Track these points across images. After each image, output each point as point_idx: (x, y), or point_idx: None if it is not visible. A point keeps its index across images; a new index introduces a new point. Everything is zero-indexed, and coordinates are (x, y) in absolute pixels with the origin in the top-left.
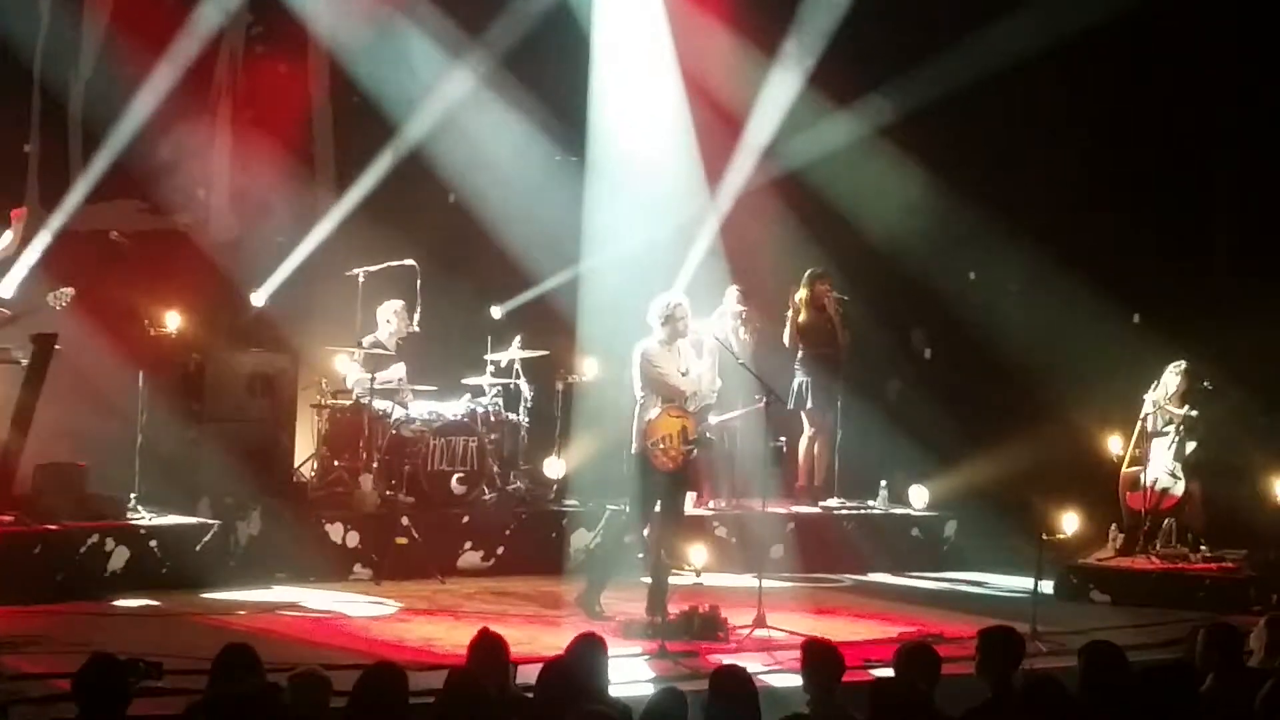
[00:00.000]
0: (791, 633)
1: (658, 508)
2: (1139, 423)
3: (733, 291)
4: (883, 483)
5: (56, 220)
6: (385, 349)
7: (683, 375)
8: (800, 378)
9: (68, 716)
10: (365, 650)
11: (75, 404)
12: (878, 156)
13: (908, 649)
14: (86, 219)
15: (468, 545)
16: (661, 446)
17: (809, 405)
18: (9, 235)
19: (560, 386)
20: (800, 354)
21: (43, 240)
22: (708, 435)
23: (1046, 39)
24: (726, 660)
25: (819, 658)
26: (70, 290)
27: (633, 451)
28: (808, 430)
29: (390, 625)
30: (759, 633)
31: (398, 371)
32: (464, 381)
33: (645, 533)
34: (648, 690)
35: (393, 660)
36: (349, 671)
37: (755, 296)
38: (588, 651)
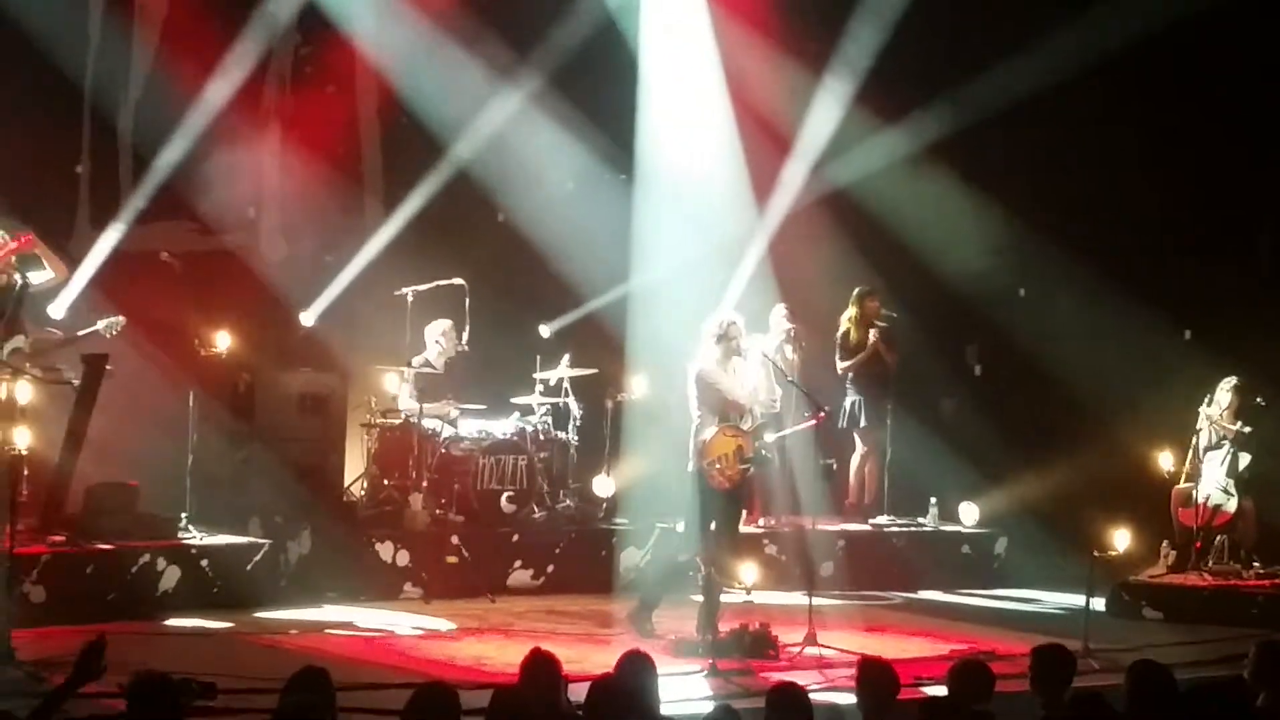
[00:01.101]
0: (842, 650)
1: (713, 526)
2: (1193, 437)
3: (780, 309)
4: (933, 500)
5: (107, 241)
6: (434, 368)
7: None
8: (852, 396)
9: None
10: (416, 669)
11: (126, 424)
12: (926, 173)
13: (961, 666)
14: (137, 240)
15: (518, 564)
16: (718, 466)
17: (862, 424)
18: (48, 271)
19: (609, 404)
20: (851, 374)
21: (94, 261)
22: (764, 453)
23: (1092, 53)
24: (779, 677)
25: (874, 676)
26: (121, 319)
27: (689, 470)
28: (860, 449)
29: (441, 644)
30: (810, 650)
31: (444, 407)
32: (513, 400)
33: (699, 551)
34: (699, 709)
35: (444, 679)
36: (400, 690)
37: (803, 314)
38: (636, 669)
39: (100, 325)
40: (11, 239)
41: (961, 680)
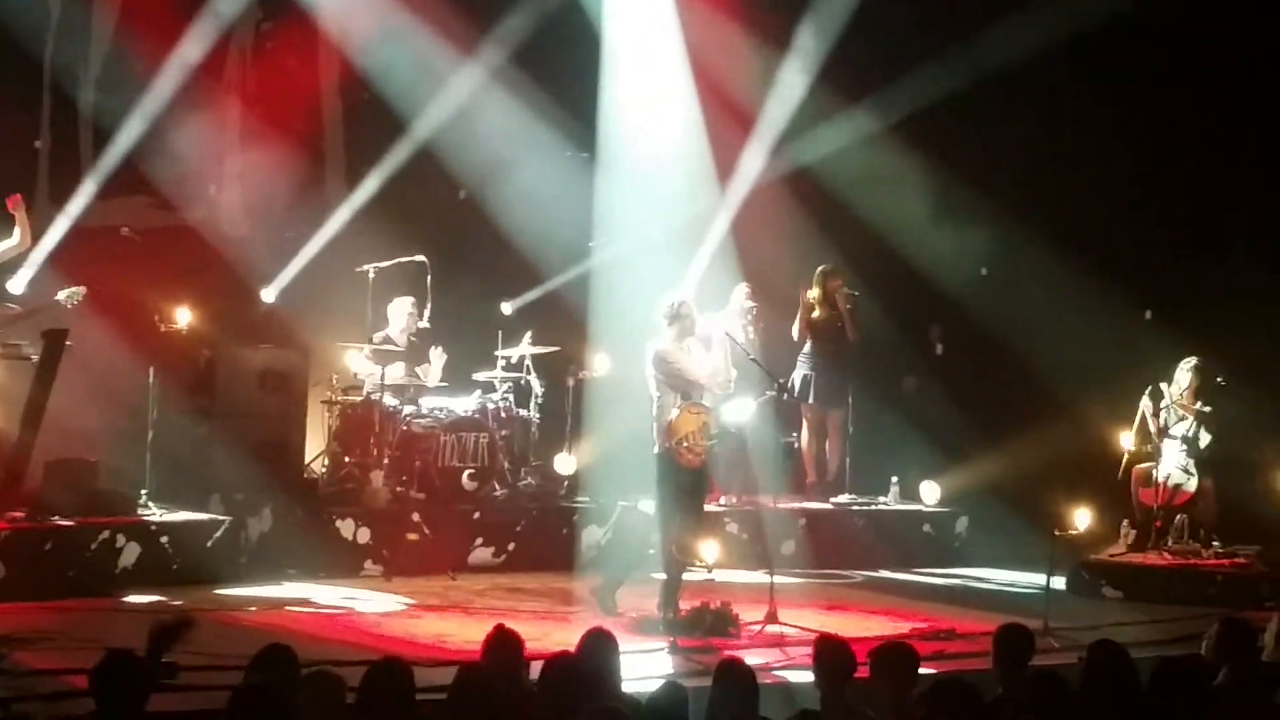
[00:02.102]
0: (803, 629)
1: (678, 504)
2: (1138, 416)
3: (742, 289)
4: (894, 479)
5: (67, 216)
6: (396, 345)
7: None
8: (804, 371)
9: (78, 713)
10: (376, 647)
11: (86, 400)
12: (889, 152)
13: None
14: (97, 215)
15: (479, 541)
16: (686, 444)
17: (810, 399)
18: (15, 238)
19: (571, 382)
20: (808, 348)
21: (53, 236)
22: (730, 429)
23: (1059, 34)
24: (741, 656)
25: (831, 655)
26: (82, 289)
27: (656, 452)
28: (810, 425)
29: (401, 621)
30: (771, 629)
31: (398, 370)
32: (475, 377)
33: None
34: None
35: (399, 655)
36: (359, 668)
37: (765, 292)
38: (598, 647)
39: (61, 295)
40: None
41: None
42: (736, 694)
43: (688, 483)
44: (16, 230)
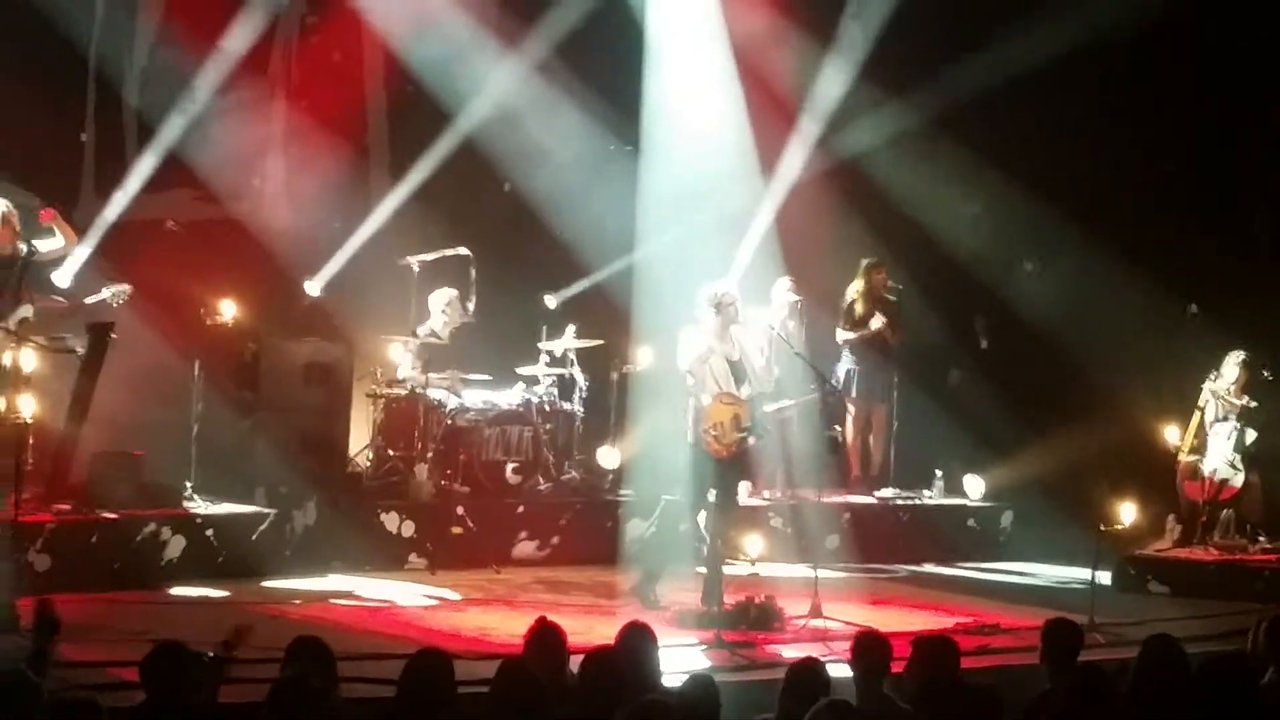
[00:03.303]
0: (847, 623)
1: (712, 496)
2: (1196, 412)
3: (784, 282)
4: (938, 473)
5: (112, 210)
6: (439, 338)
7: (733, 362)
8: (848, 365)
9: (123, 705)
10: (420, 639)
11: (131, 393)
12: (934, 146)
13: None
14: (142, 208)
15: (523, 535)
16: (714, 434)
17: (853, 394)
18: (58, 238)
19: (615, 376)
20: (852, 343)
21: (99, 230)
22: (766, 426)
23: (1101, 26)
24: (784, 651)
25: (866, 648)
26: (128, 288)
27: (688, 440)
28: (851, 419)
29: (445, 615)
30: (815, 623)
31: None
32: (518, 371)
33: (700, 521)
34: None
35: (440, 647)
36: (403, 661)
37: (809, 286)
38: (636, 641)
39: (106, 294)
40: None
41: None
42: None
43: (716, 473)
44: (58, 232)
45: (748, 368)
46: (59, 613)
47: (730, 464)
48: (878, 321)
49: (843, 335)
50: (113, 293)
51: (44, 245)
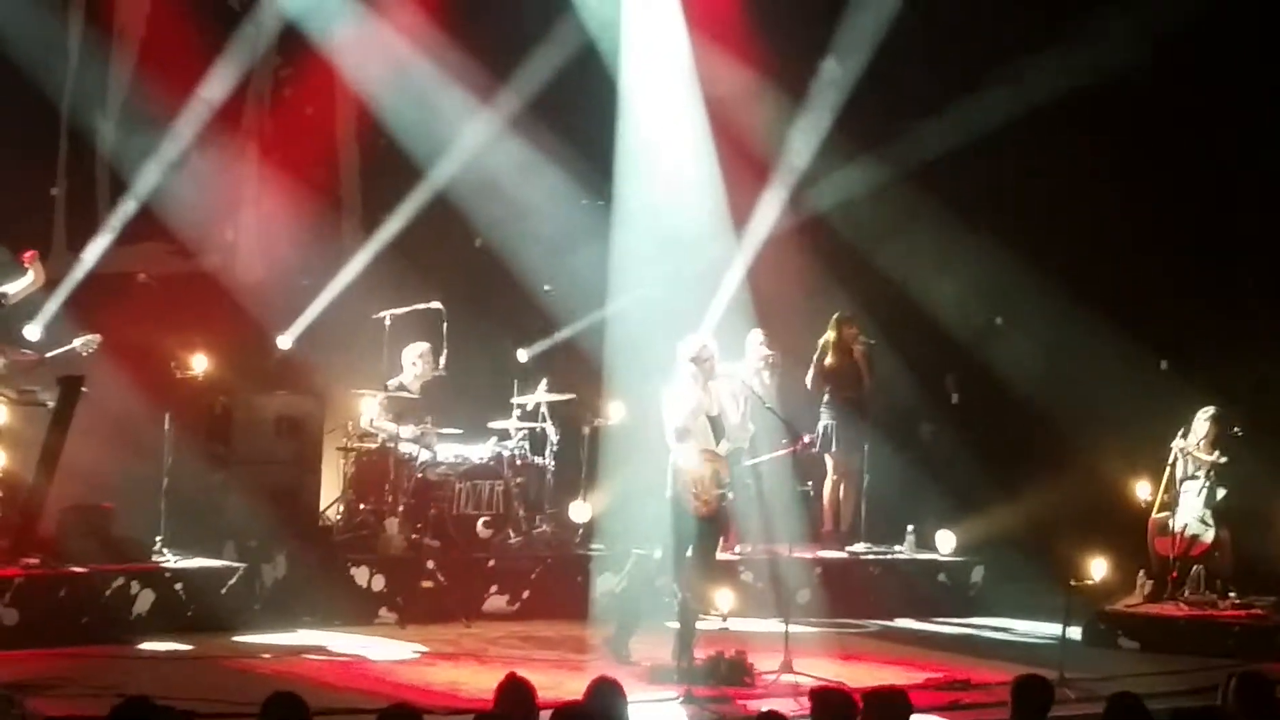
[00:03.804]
0: (818, 678)
1: (689, 552)
2: (1167, 468)
3: (756, 335)
4: (909, 528)
5: (84, 263)
6: (411, 392)
7: (712, 417)
8: (825, 420)
9: None
10: (390, 694)
11: (101, 446)
12: (904, 200)
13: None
14: (113, 261)
15: (493, 589)
16: (694, 491)
17: (834, 448)
18: (29, 276)
19: (586, 430)
20: (826, 397)
21: (70, 282)
22: (744, 480)
23: (1072, 80)
24: (755, 705)
25: (826, 704)
26: (98, 337)
27: (667, 496)
28: (831, 474)
29: (415, 669)
30: (786, 678)
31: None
32: (490, 425)
33: (676, 576)
34: None
35: (410, 702)
36: (373, 715)
37: (780, 340)
38: (606, 696)
39: (77, 343)
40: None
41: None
42: None
43: (696, 529)
44: (27, 276)
45: (725, 423)
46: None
47: (709, 520)
48: (858, 349)
49: (811, 380)
50: (83, 342)
51: (13, 287)
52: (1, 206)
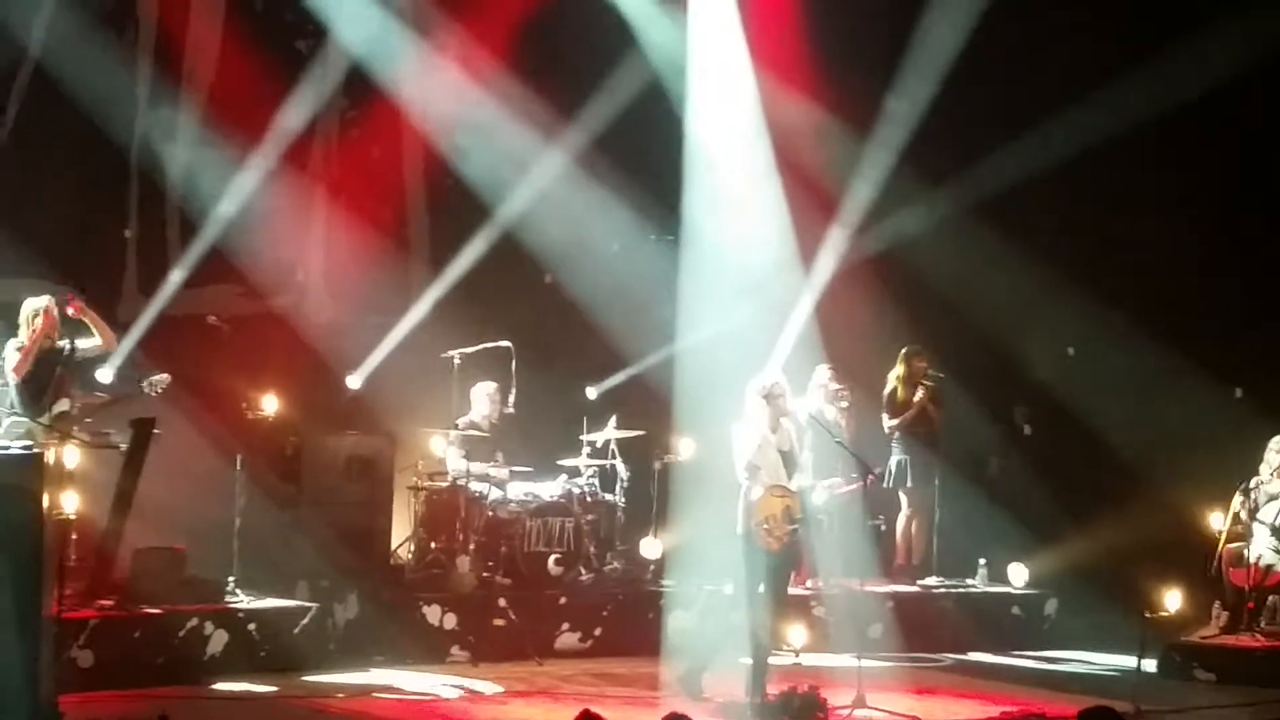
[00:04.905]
0: (892, 713)
1: (761, 588)
2: (1238, 496)
3: (823, 370)
4: (982, 561)
5: (155, 305)
6: (480, 430)
7: (784, 453)
8: (898, 455)
9: None
10: None
11: (174, 487)
12: (973, 233)
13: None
14: (184, 304)
15: (565, 626)
16: (767, 526)
17: (908, 484)
18: (97, 339)
19: (656, 466)
20: (897, 432)
21: (142, 325)
22: (818, 516)
23: (1141, 110)
24: None
25: None
26: (166, 377)
27: (738, 532)
28: (905, 509)
29: (488, 707)
30: (859, 713)
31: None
32: (560, 462)
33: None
34: None
35: None
36: None
37: (851, 375)
38: None
39: (145, 384)
40: (61, 303)
41: None
42: None
43: (768, 565)
44: (95, 332)
45: (796, 459)
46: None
47: (781, 556)
48: (919, 393)
49: (889, 423)
50: (150, 382)
51: (83, 344)
52: (74, 249)
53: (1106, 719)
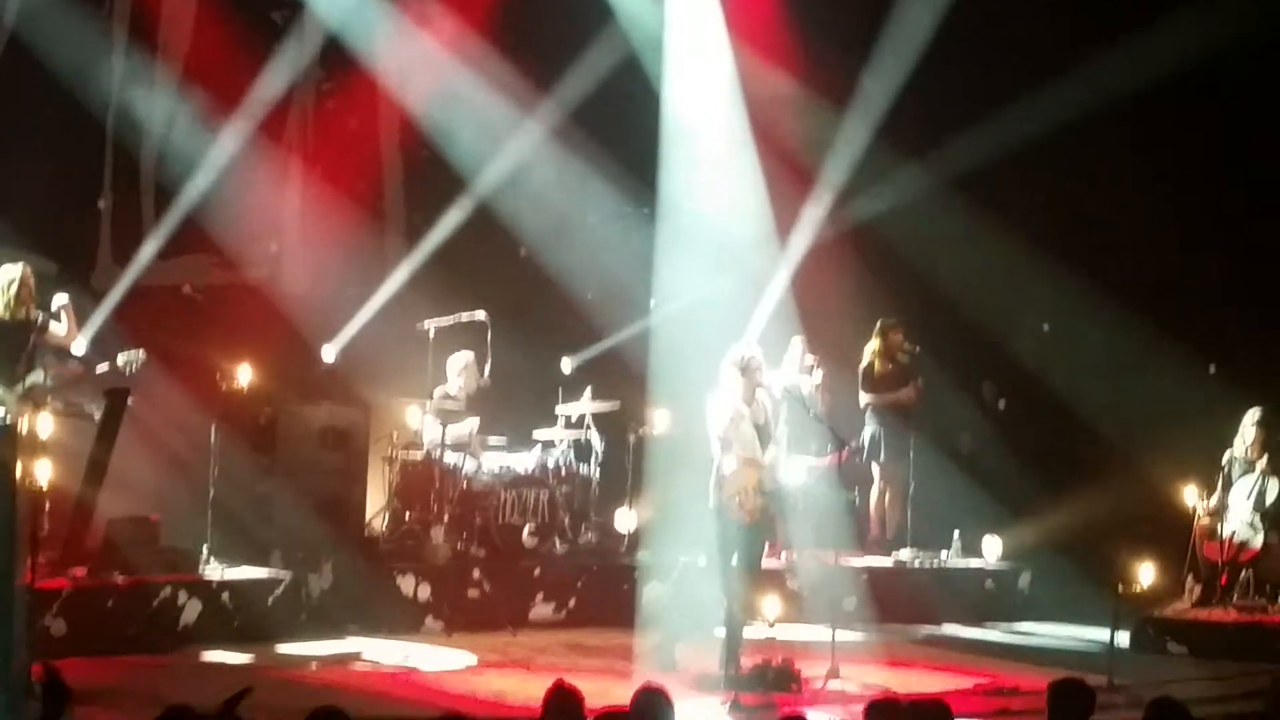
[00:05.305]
0: (865, 685)
1: (734, 560)
2: (1219, 474)
3: (798, 342)
4: (956, 534)
5: (129, 276)
6: (456, 401)
7: (759, 425)
8: (872, 427)
9: None
10: (436, 703)
11: (148, 458)
12: (950, 207)
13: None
14: (159, 274)
15: (539, 597)
16: (738, 499)
17: (881, 457)
18: (63, 323)
19: (631, 438)
20: (871, 405)
21: (115, 295)
22: (792, 489)
23: (1118, 86)
24: (806, 710)
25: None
26: (141, 353)
27: (710, 505)
28: (878, 481)
29: (462, 678)
30: (833, 684)
31: (469, 426)
32: (535, 434)
33: (722, 584)
34: None
35: (460, 712)
36: None
37: (826, 348)
38: (652, 703)
39: (120, 359)
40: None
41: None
42: None
43: (740, 537)
44: (65, 320)
45: (771, 431)
46: (67, 679)
47: (753, 528)
48: (909, 391)
49: (865, 398)
50: (125, 358)
51: (54, 327)
52: (48, 220)
53: (1077, 692)
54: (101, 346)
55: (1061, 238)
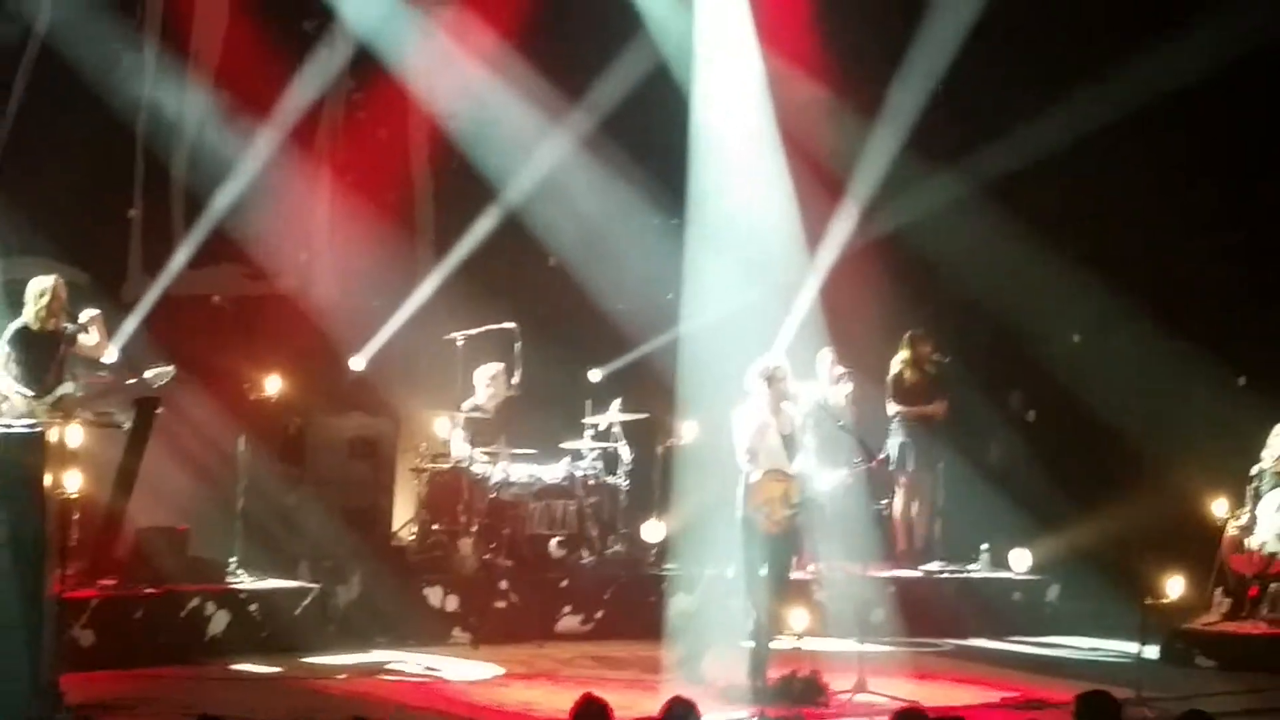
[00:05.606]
0: (893, 698)
1: (762, 572)
2: (1249, 487)
3: (826, 354)
4: (984, 546)
5: (159, 285)
6: (484, 412)
7: (785, 437)
8: (900, 438)
9: None
10: (464, 714)
11: (177, 468)
12: (980, 216)
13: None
14: (188, 284)
15: (567, 609)
16: (765, 510)
17: (909, 468)
18: (92, 335)
19: (659, 450)
20: (899, 415)
21: (146, 305)
22: (814, 498)
23: (1150, 96)
24: None
25: None
26: (171, 370)
27: (737, 516)
28: (905, 492)
29: (489, 689)
30: (860, 697)
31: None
32: (563, 445)
33: (749, 596)
34: None
35: None
36: None
37: (855, 358)
38: (680, 715)
39: (149, 375)
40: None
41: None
42: None
43: (767, 549)
44: (95, 333)
45: (797, 442)
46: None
47: (780, 540)
48: (938, 407)
49: (894, 408)
50: (155, 374)
51: (84, 337)
52: (80, 230)
53: (1104, 704)
54: (131, 357)
55: (1092, 248)
